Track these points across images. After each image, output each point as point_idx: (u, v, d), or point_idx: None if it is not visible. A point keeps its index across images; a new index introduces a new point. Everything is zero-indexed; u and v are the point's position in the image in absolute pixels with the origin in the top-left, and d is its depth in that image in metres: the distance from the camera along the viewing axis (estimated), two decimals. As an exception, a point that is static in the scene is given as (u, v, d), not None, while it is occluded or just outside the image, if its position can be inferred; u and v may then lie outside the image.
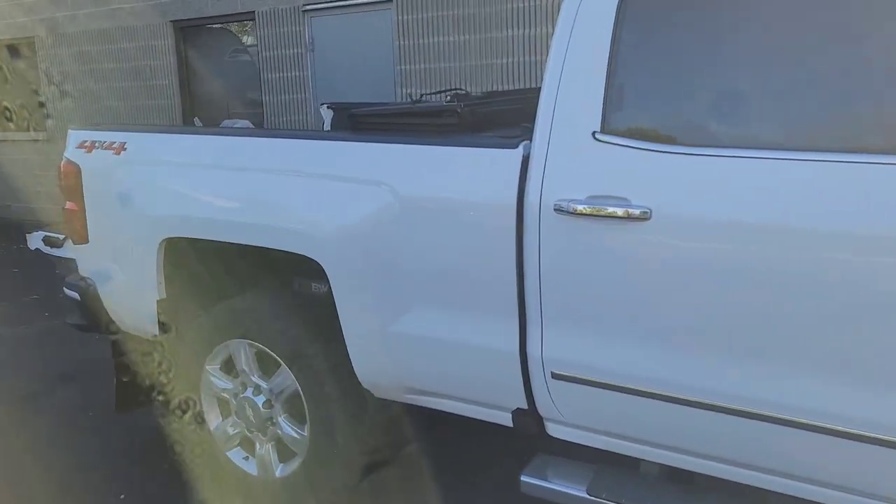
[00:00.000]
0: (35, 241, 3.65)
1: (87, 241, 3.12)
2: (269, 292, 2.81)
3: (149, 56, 8.36)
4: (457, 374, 2.30)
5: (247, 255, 2.79)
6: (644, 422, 2.03)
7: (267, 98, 7.67)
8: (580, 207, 1.96)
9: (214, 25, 8.41)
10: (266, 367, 2.78)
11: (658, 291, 1.91)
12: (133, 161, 2.93)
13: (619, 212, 1.91)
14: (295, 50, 7.36)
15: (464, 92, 2.92)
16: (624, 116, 1.98)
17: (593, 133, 1.99)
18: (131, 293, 3.04)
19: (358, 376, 2.53)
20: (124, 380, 3.28)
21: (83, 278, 3.22)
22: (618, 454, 2.17)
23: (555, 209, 2.01)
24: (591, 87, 2.00)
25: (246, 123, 3.84)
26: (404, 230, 2.28)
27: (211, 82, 8.43)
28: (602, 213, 1.94)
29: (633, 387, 1.99)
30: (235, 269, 2.97)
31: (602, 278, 1.98)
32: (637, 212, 1.90)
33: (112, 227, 3.02)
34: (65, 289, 3.30)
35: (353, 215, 2.38)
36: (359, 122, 2.82)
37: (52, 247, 3.50)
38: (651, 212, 1.88)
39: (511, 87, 6.24)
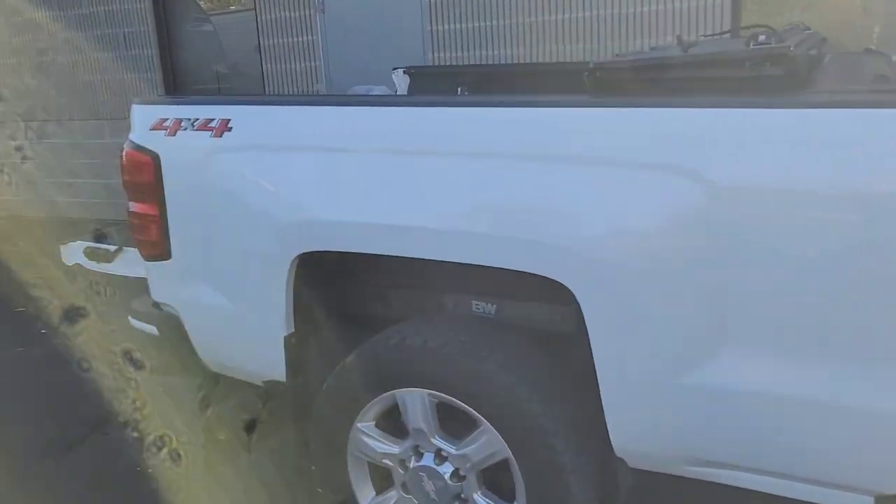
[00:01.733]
0: (73, 253, 2.77)
1: (167, 257, 2.30)
2: (457, 321, 2.07)
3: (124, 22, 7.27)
4: (804, 444, 1.61)
5: (408, 271, 2.04)
6: None
7: (268, 66, 6.73)
8: None
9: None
10: (452, 424, 2.04)
11: None
12: (243, 145, 2.12)
13: None
14: (301, 11, 6.43)
15: (770, 29, 2.16)
16: None
17: None
18: (240, 326, 2.24)
19: (613, 441, 1.82)
20: (219, 437, 2.48)
21: (160, 305, 2.40)
22: None
23: None
24: None
25: (383, 89, 3.05)
26: (726, 240, 1.56)
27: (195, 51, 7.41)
28: None
29: None
30: (390, 291, 2.21)
31: None
32: None
33: (210, 238, 2.21)
34: (132, 319, 2.47)
35: (630, 217, 1.66)
36: (606, 79, 1.99)
37: (97, 262, 2.66)
38: None
39: (568, 47, 5.51)
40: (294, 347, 2.15)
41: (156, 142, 2.23)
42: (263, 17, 6.60)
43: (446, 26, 5.91)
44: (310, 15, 6.40)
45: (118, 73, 7.47)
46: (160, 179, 2.23)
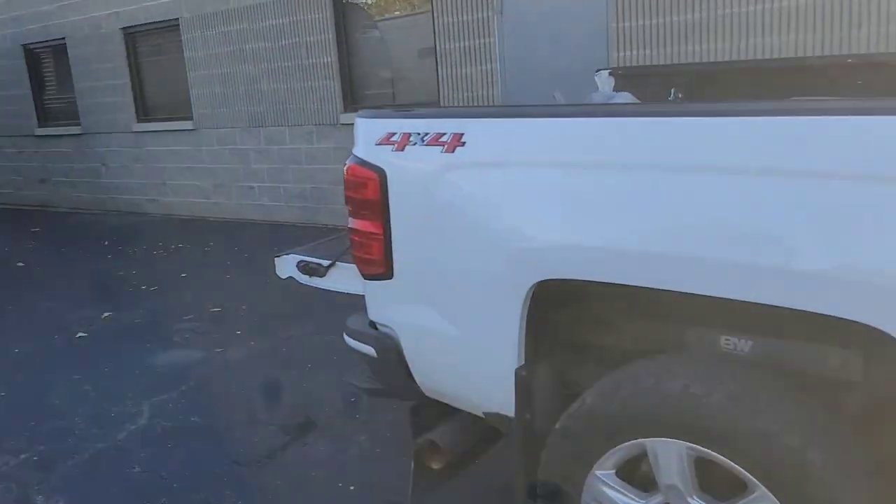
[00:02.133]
0: (287, 266, 2.79)
1: (388, 277, 2.19)
2: (719, 363, 1.79)
3: (305, 32, 7.55)
4: None
5: (652, 301, 1.78)
6: None
7: (444, 71, 6.70)
8: None
9: (372, -7, 7.51)
10: (711, 482, 1.77)
11: None
12: (477, 161, 1.96)
13: None
14: (479, 14, 6.33)
15: None
16: None
17: None
18: (464, 353, 2.09)
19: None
20: (431, 466, 2.35)
21: (378, 326, 2.31)
22: None
23: None
24: None
25: (628, 97, 2.88)
26: None
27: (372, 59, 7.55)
28: None
29: None
30: (625, 322, 1.97)
31: None
32: None
33: (437, 260, 2.08)
34: (347, 338, 2.40)
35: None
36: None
37: (310, 276, 2.65)
38: None
39: (776, 39, 4.98)
40: (525, 381, 1.96)
41: (382, 157, 2.13)
42: (441, 21, 6.57)
43: (633, 23, 5.57)
44: (487, 17, 6.28)
45: (299, 82, 7.76)
46: (386, 197, 2.12)
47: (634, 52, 5.56)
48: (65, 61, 10.08)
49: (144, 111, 9.47)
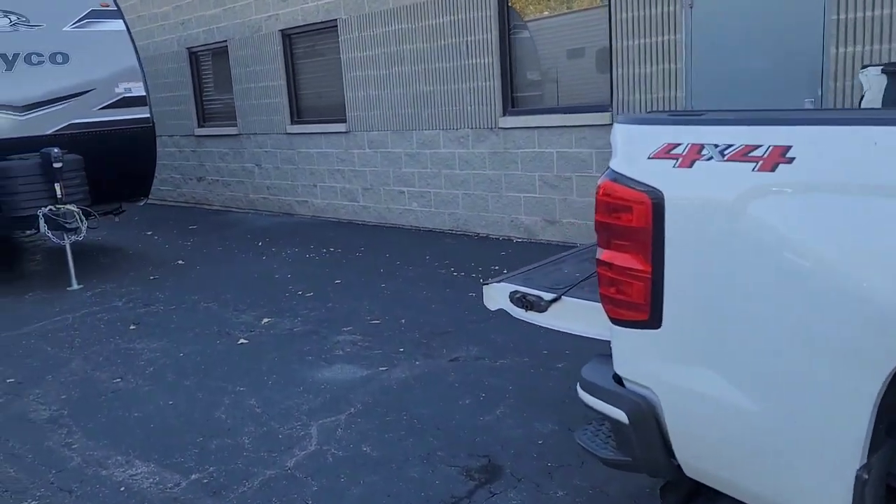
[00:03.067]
0: (498, 296, 2.38)
1: (653, 325, 1.73)
2: None
3: (466, 32, 7.23)
4: None
5: None
6: None
7: (619, 72, 6.14)
8: None
9: (538, -11, 7.06)
10: None
11: None
12: (813, 185, 1.45)
13: None
14: (664, 7, 5.73)
15: None
16: None
17: None
18: (763, 436, 1.59)
19: None
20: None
21: (629, 383, 1.85)
22: None
23: None
24: None
25: None
26: None
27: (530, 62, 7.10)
28: None
29: None
30: None
31: None
32: None
33: (734, 311, 1.59)
34: (584, 393, 1.96)
35: None
36: None
37: (526, 309, 2.24)
38: None
39: None
40: (865, 486, 1.43)
41: (658, 175, 1.67)
42: (619, 17, 6.02)
43: (857, 14, 4.78)
44: (674, 11, 5.67)
45: (456, 83, 7.46)
46: (660, 226, 1.66)
47: (859, 48, 4.77)
48: (225, 64, 10.38)
49: (299, 113, 9.54)
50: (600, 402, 1.89)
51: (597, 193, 1.81)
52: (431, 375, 4.10)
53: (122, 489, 3.08)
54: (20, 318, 5.75)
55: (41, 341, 5.12)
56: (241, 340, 4.90)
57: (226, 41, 10.18)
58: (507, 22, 7.01)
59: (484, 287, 2.47)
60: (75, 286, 6.59)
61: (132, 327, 5.33)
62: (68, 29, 7.11)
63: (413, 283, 6.05)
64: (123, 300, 6.11)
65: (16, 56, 6.69)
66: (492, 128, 7.24)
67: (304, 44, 9.27)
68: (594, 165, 6.51)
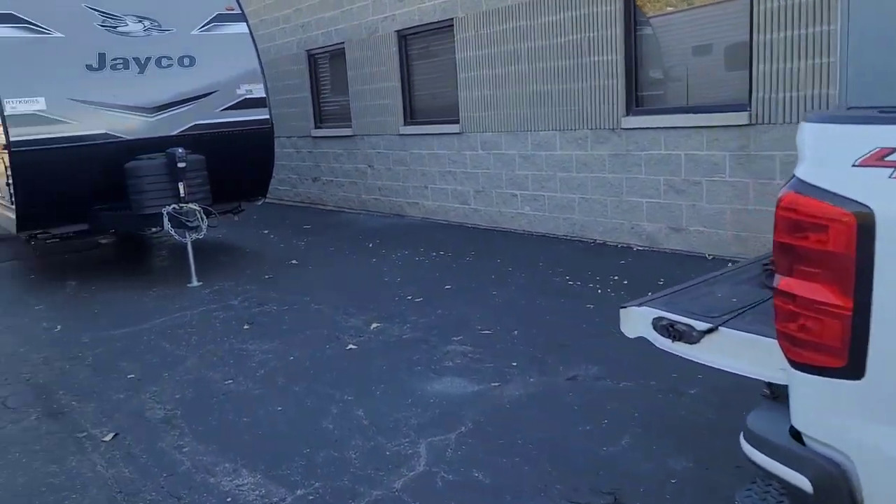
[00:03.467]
0: (638, 322, 2.08)
1: (853, 375, 1.38)
2: None
3: (588, 27, 6.87)
4: None
5: None
6: None
7: (761, 68, 5.60)
8: None
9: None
10: None
11: None
12: None
13: None
14: (816, -5, 5.16)
15: None
16: None
17: None
18: None
19: None
20: None
21: (810, 441, 1.50)
22: None
23: None
24: None
25: None
26: None
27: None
28: None
29: None
30: None
31: None
32: None
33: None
34: (750, 449, 1.62)
35: None
36: None
37: (673, 339, 1.93)
38: None
39: None
40: None
41: (868, 187, 1.32)
42: (762, 7, 5.49)
43: None
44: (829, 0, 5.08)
45: (576, 82, 7.11)
46: (868, 251, 1.31)
47: None
48: (342, 65, 10.49)
49: (412, 114, 9.48)
50: (774, 462, 1.55)
51: (777, 207, 1.48)
52: (547, 395, 3.82)
53: (229, 500, 2.99)
54: (144, 313, 5.94)
55: (160, 338, 5.24)
56: (350, 346, 4.80)
57: (343, 43, 10.28)
58: (633, 17, 6.58)
59: (621, 311, 2.17)
60: (195, 283, 6.77)
61: (246, 327, 5.37)
62: (196, 32, 7.33)
63: (525, 291, 5.77)
64: (239, 299, 6.20)
65: (147, 60, 6.97)
66: (613, 128, 6.84)
67: (418, 44, 9.19)
68: (728, 169, 5.99)
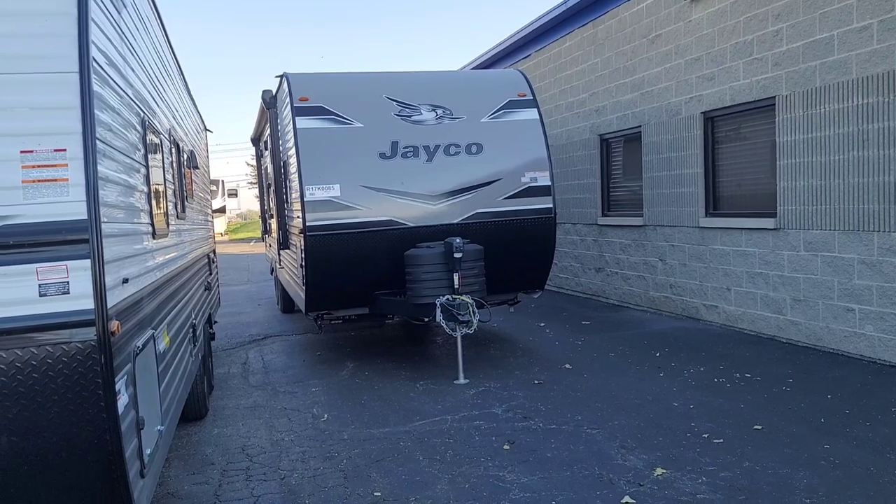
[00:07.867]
0: None
1: None
2: None
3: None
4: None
5: None
6: None
7: None
8: None
9: None
10: None
11: None
12: None
13: None
14: None
15: None
16: None
17: None
18: None
19: None
20: None
21: None
22: None
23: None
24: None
25: None
26: None
27: None
28: None
29: None
30: None
31: None
32: None
33: None
34: None
35: None
36: None
37: None
38: None
39: None
40: None
41: None
42: None
43: None
44: None
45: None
46: None
47: None
48: (636, 150, 9.70)
49: (715, 204, 8.28)
50: None
51: None
52: None
53: None
54: (407, 411, 5.60)
55: (417, 446, 4.78)
56: (626, 499, 3.81)
57: (639, 126, 9.52)
58: None
59: None
60: (462, 380, 6.33)
61: (506, 447, 4.67)
62: (485, 120, 7.16)
63: (878, 453, 4.24)
64: (504, 407, 5.56)
65: (437, 147, 6.91)
66: None
67: (727, 126, 8.05)
68: None
